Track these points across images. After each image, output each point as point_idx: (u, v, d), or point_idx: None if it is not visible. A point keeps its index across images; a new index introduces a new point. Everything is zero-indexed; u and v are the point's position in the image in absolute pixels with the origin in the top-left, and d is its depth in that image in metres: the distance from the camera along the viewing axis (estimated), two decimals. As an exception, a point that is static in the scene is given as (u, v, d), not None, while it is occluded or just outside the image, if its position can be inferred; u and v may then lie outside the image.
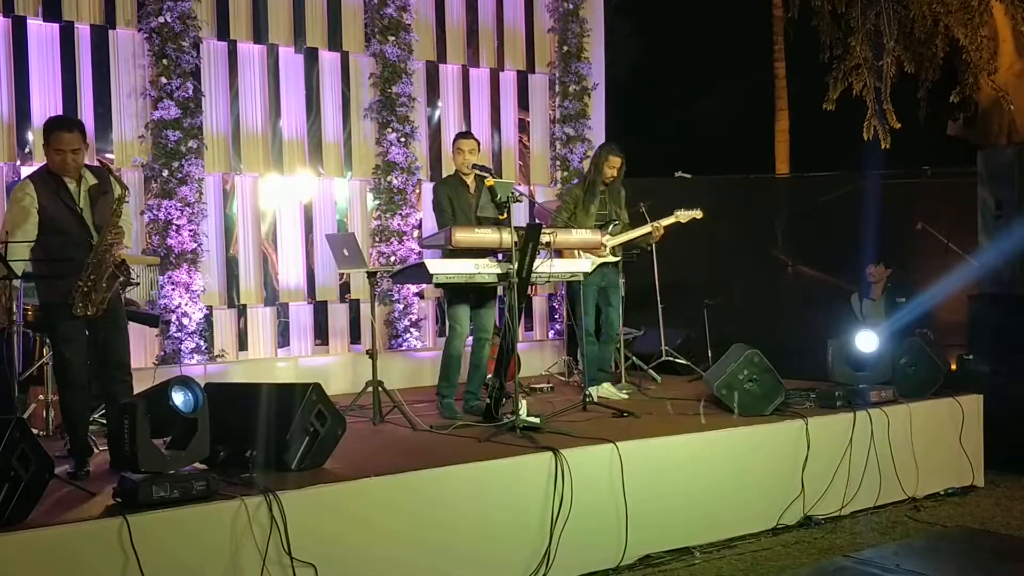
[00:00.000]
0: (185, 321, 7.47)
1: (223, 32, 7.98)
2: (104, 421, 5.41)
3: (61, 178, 4.72)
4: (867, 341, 6.89)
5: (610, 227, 7.00)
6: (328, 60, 8.55)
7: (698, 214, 7.51)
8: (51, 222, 4.68)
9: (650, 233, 7.31)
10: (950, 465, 6.69)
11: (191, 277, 7.52)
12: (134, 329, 5.45)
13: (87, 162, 4.84)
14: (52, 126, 4.74)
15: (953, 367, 7.71)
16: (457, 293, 6.37)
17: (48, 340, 5.19)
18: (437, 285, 6.02)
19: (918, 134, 12.09)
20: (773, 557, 5.31)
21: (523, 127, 9.76)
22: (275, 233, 8.30)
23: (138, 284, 6.98)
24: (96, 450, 5.00)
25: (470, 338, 6.63)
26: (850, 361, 6.95)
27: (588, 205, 6.97)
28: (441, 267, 5.88)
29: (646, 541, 5.22)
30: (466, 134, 6.73)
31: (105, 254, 4.65)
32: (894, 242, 9.10)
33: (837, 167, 11.05)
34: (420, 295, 8.73)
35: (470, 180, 6.45)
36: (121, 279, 4.72)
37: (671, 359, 8.35)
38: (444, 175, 7.63)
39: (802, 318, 9.63)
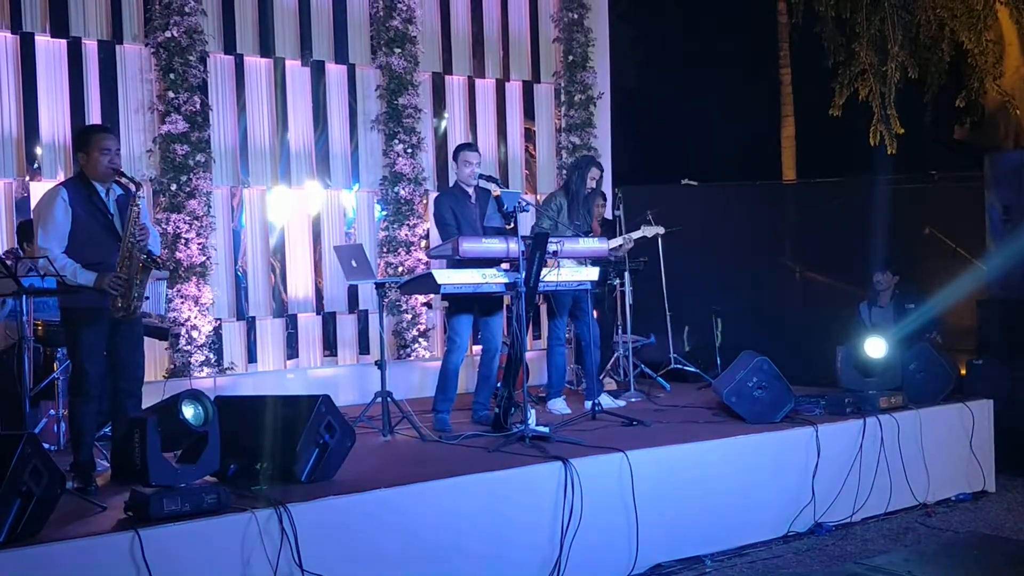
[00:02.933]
0: (194, 334, 7.50)
1: (230, 46, 8.02)
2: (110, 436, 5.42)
3: (93, 185, 4.83)
4: (876, 347, 6.88)
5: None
6: (335, 73, 8.58)
7: (661, 230, 7.68)
8: (83, 228, 4.77)
9: (621, 245, 7.37)
10: (961, 470, 6.67)
11: (200, 290, 7.54)
12: (144, 342, 5.46)
13: None
14: (95, 129, 5.12)
15: (963, 372, 7.69)
16: (459, 304, 6.37)
17: (67, 348, 5.22)
18: (444, 296, 6.03)
19: (925, 139, 12.08)
20: (784, 565, 5.31)
21: (529, 136, 9.78)
22: (283, 245, 8.32)
23: (147, 298, 6.99)
24: (97, 467, 4.99)
25: (477, 347, 6.64)
26: (859, 367, 6.94)
27: (568, 215, 6.97)
28: (449, 277, 5.89)
29: (657, 550, 5.22)
30: (471, 146, 6.74)
31: (133, 248, 4.74)
32: (902, 247, 9.08)
33: (844, 173, 11.04)
34: (428, 305, 8.75)
35: (471, 190, 6.47)
36: (152, 269, 4.85)
37: (680, 366, 8.35)
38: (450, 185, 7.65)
39: (810, 324, 9.62)
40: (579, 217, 6.97)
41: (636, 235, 7.55)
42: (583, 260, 6.68)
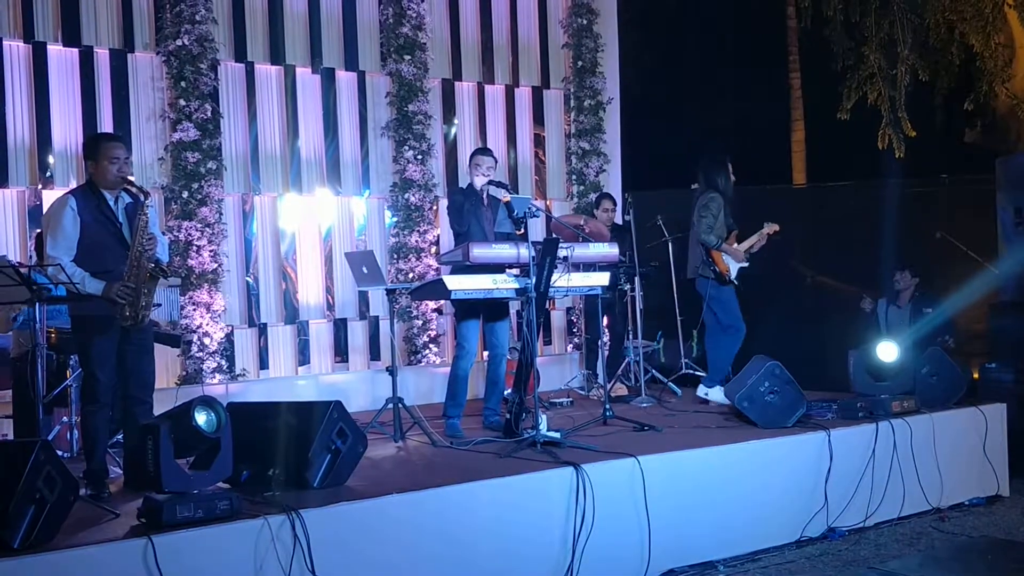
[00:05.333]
0: (206, 341, 7.52)
1: (240, 54, 8.05)
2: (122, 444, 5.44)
3: (102, 193, 4.84)
4: (888, 351, 6.86)
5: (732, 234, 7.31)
6: (345, 80, 8.61)
7: (776, 227, 7.68)
8: (92, 236, 4.78)
9: (756, 242, 7.47)
10: (974, 475, 6.63)
11: (212, 297, 7.57)
12: (156, 350, 5.49)
13: None
14: (103, 137, 5.11)
15: (975, 376, 7.66)
16: (467, 309, 6.36)
17: (78, 357, 5.25)
18: (452, 302, 6.02)
19: (935, 142, 12.06)
20: (797, 570, 5.29)
21: (539, 142, 9.79)
22: (294, 252, 8.34)
23: (159, 305, 7.03)
24: (109, 474, 5.01)
25: (485, 353, 6.64)
26: (871, 372, 6.92)
27: (725, 212, 7.17)
28: (460, 283, 5.89)
29: (669, 556, 5.21)
30: (485, 151, 6.74)
31: (141, 257, 4.75)
32: (913, 251, 9.06)
33: (854, 177, 11.01)
34: (439, 311, 8.76)
35: (485, 195, 6.47)
36: (159, 278, 4.86)
37: (691, 371, 8.33)
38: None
39: (822, 329, 9.59)
40: (729, 215, 7.17)
41: (765, 231, 7.56)
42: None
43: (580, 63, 9.73)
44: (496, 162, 6.61)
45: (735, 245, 7.26)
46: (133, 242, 4.77)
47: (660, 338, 8.81)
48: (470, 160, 6.57)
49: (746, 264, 7.32)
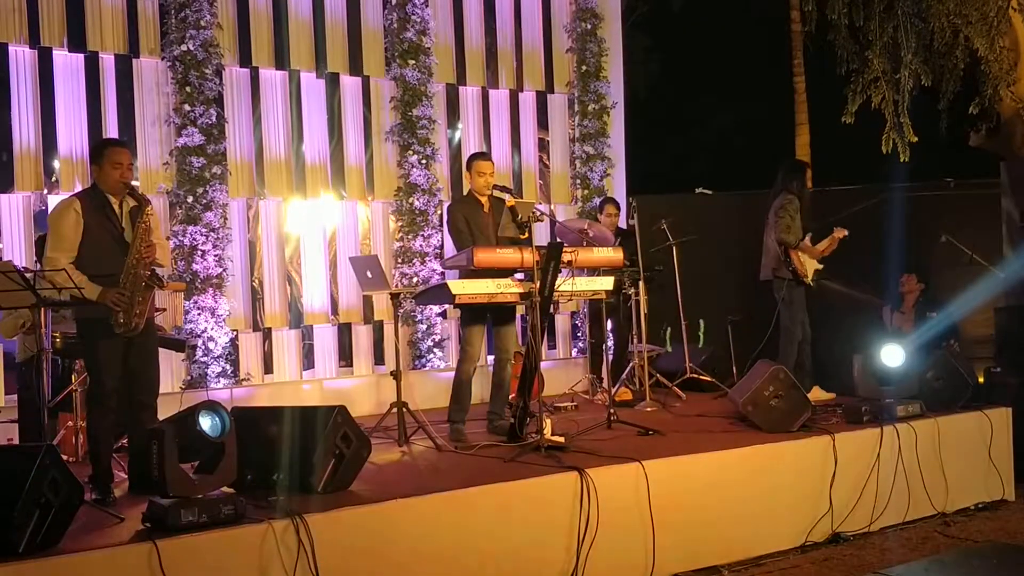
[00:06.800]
0: (211, 345, 7.54)
1: (245, 59, 8.07)
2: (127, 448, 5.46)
3: (106, 197, 4.86)
4: (893, 355, 6.85)
5: (806, 237, 7.53)
6: (349, 84, 8.63)
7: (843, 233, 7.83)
8: (95, 239, 4.80)
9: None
10: (980, 479, 6.62)
11: (216, 302, 7.58)
12: (161, 354, 5.50)
13: None
14: (108, 143, 5.11)
15: (981, 380, 7.64)
16: (473, 314, 6.36)
17: (84, 361, 5.26)
18: (458, 305, 6.03)
19: (941, 146, 12.04)
20: (802, 575, 5.28)
21: (543, 146, 9.80)
22: (299, 256, 8.35)
23: (164, 310, 7.04)
24: (114, 478, 5.01)
25: (490, 357, 6.64)
26: (876, 375, 6.91)
27: (802, 215, 7.38)
28: (463, 287, 5.89)
29: (674, 560, 5.20)
30: (484, 155, 6.74)
31: (138, 265, 4.76)
32: (918, 255, 9.05)
33: (859, 181, 10.99)
34: (443, 315, 8.76)
35: (484, 200, 6.47)
36: (156, 287, 4.87)
37: (696, 376, 8.32)
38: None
39: (827, 333, 9.57)
40: (804, 220, 7.37)
41: (836, 235, 7.70)
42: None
43: (584, 67, 9.74)
44: (493, 164, 6.62)
45: (811, 245, 7.46)
46: (131, 248, 4.77)
47: (666, 328, 8.80)
48: (469, 166, 6.56)
49: (820, 267, 7.53)
